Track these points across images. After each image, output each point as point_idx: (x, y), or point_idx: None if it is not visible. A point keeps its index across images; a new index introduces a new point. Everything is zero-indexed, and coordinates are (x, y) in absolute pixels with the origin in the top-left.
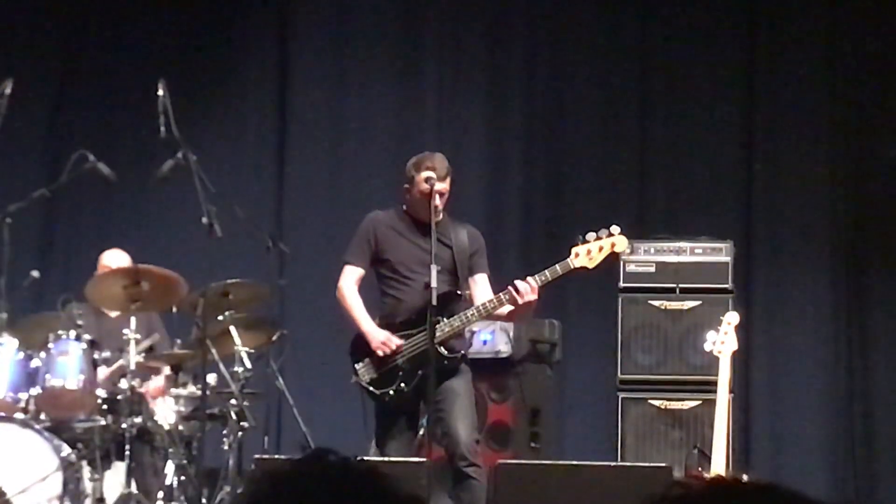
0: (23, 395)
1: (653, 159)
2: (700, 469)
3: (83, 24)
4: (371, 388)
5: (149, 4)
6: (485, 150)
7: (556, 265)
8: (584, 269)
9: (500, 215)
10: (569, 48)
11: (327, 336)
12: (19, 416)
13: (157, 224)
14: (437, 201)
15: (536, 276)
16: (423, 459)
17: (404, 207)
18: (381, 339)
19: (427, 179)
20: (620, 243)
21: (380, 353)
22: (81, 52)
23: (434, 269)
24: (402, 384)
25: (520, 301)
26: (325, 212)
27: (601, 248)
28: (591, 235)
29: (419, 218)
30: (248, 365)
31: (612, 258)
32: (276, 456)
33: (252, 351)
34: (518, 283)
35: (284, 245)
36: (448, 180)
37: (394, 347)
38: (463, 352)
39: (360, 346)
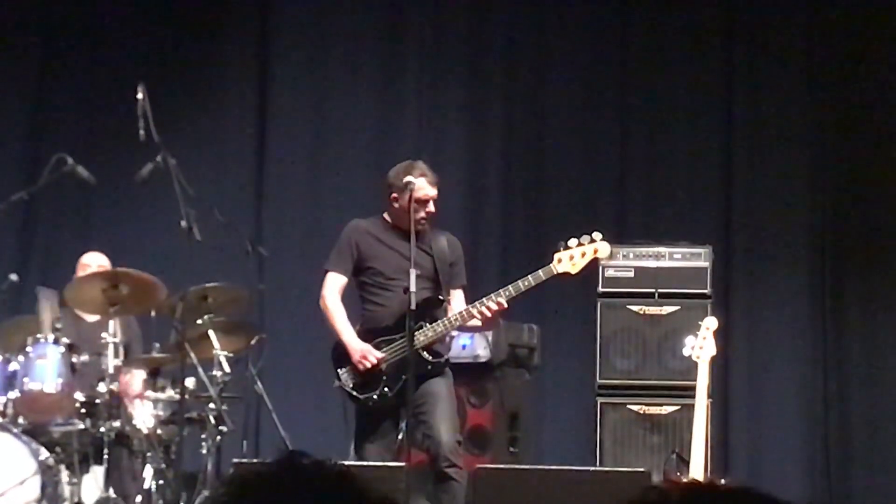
0: (1, 399)
1: (632, 165)
2: (678, 474)
3: (63, 26)
4: (354, 393)
5: (129, 7)
6: (464, 157)
7: (539, 271)
8: (567, 274)
9: (480, 221)
10: (549, 55)
11: (306, 340)
12: None
13: (136, 227)
14: (431, 207)
15: (519, 282)
16: (402, 464)
17: (385, 215)
18: (362, 352)
19: (420, 186)
20: (603, 249)
21: (360, 367)
22: (61, 55)
23: (413, 274)
24: (386, 388)
25: (481, 318)
26: (304, 216)
27: (584, 254)
28: (573, 241)
29: (401, 225)
30: (227, 369)
31: (594, 264)
32: (255, 460)
33: (231, 355)
34: (483, 301)
35: (264, 249)
36: (435, 187)
37: (374, 361)
38: (445, 356)
39: (343, 353)
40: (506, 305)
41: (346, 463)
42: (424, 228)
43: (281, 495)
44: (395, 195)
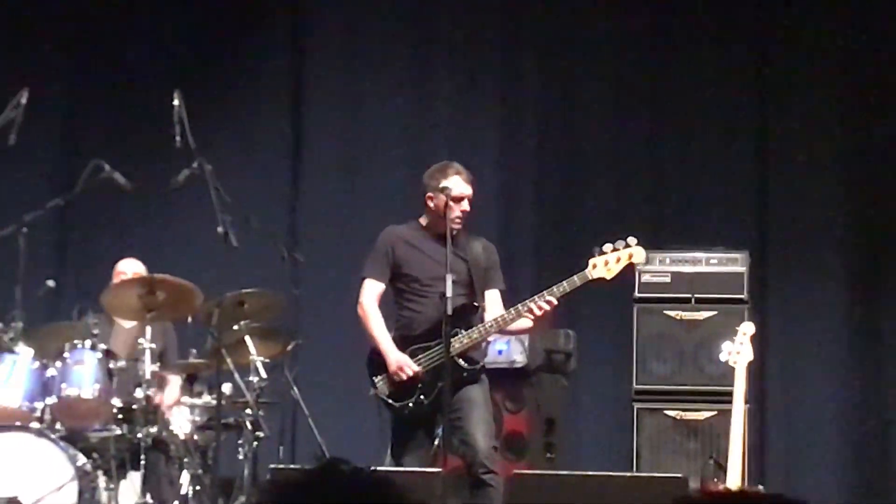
0: (38, 405)
1: (667, 170)
2: (715, 480)
3: (99, 33)
4: (390, 401)
5: (165, 14)
6: (498, 162)
7: (574, 276)
8: (602, 279)
9: (514, 227)
10: (582, 58)
11: (342, 346)
12: (35, 425)
13: (172, 233)
14: (466, 206)
15: (554, 287)
16: (439, 469)
17: (421, 220)
18: (399, 364)
19: (455, 184)
20: (638, 255)
21: (395, 378)
22: (97, 62)
23: (449, 279)
24: (422, 396)
25: (535, 316)
26: (339, 221)
27: (619, 260)
28: (608, 247)
29: (437, 230)
30: (264, 375)
31: (630, 269)
32: (291, 466)
33: (267, 360)
34: (538, 300)
35: (299, 255)
36: (466, 202)
37: (410, 374)
38: (481, 362)
39: (379, 360)
40: (556, 302)
41: (384, 469)
42: (459, 228)
43: (320, 501)
44: (430, 195)
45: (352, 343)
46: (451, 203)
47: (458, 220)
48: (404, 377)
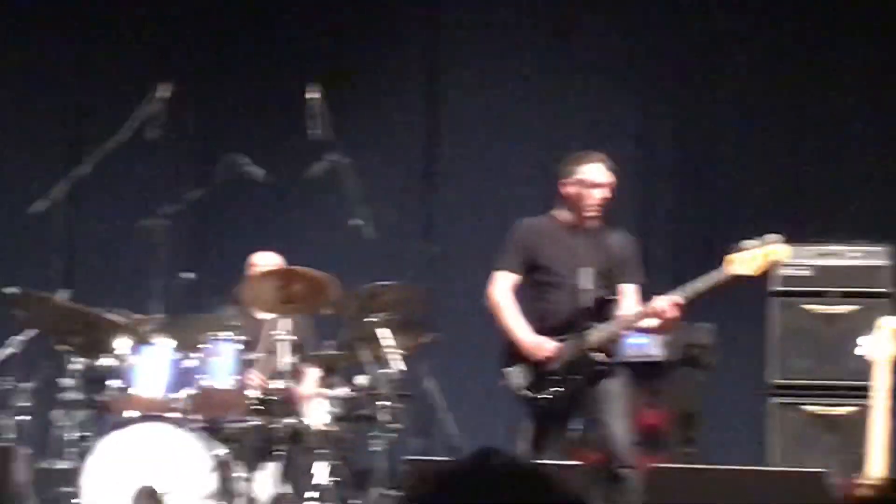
0: (177, 396)
1: (809, 161)
2: (855, 476)
3: (236, 27)
4: (524, 394)
5: (302, 7)
6: (636, 154)
7: (714, 273)
8: (745, 276)
9: (652, 220)
10: (720, 52)
11: (477, 339)
12: (174, 416)
13: (308, 226)
14: (607, 193)
15: (679, 289)
16: (578, 462)
17: (557, 211)
18: (535, 344)
19: (594, 171)
20: (784, 252)
21: (533, 357)
22: (235, 56)
23: (585, 272)
24: (556, 389)
25: (659, 318)
26: (475, 214)
27: (766, 256)
28: (749, 243)
29: (574, 221)
30: (399, 367)
31: (775, 266)
32: (427, 458)
33: (402, 353)
34: (659, 301)
35: (434, 247)
36: (606, 188)
37: (548, 352)
38: (618, 356)
39: (513, 352)
40: (682, 303)
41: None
42: (595, 217)
43: (475, 492)
44: (564, 181)
45: (486, 336)
46: (586, 191)
47: (593, 208)
48: (542, 356)
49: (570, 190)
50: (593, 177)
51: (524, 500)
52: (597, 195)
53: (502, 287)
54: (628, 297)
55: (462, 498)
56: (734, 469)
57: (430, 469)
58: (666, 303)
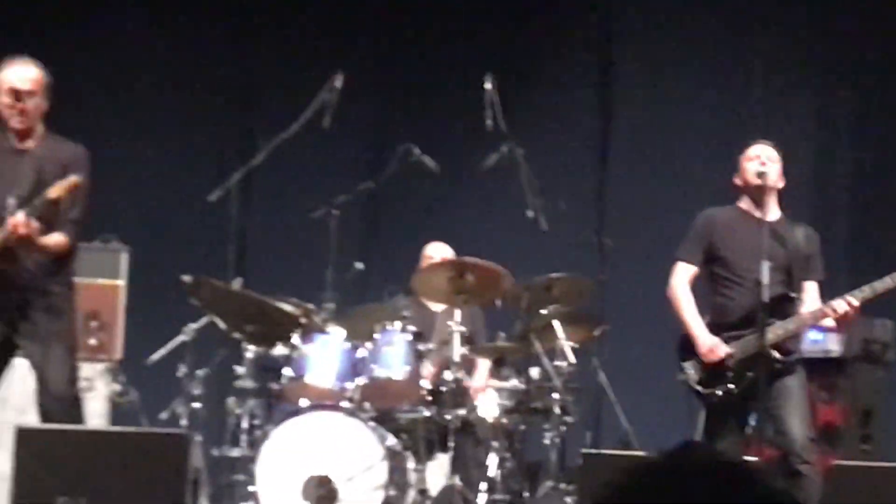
0: (349, 385)
1: None
2: None
3: (409, 18)
4: (699, 388)
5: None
6: (813, 147)
7: (886, 278)
8: None
9: (830, 214)
10: None
11: (649, 332)
12: (346, 405)
13: (480, 217)
14: (766, 168)
15: (857, 291)
16: (755, 459)
17: (741, 203)
18: (710, 346)
19: (754, 148)
20: None
21: (706, 359)
22: (407, 46)
23: (766, 266)
24: (731, 385)
25: (835, 318)
26: (647, 206)
27: None
28: None
29: (754, 213)
30: (572, 359)
31: None
32: (603, 451)
33: (575, 345)
34: (836, 302)
35: (607, 239)
36: (770, 161)
37: (721, 356)
38: (796, 354)
39: (689, 345)
40: (857, 305)
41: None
42: (777, 218)
43: (679, 486)
44: (742, 165)
45: (659, 329)
46: (750, 166)
47: (760, 178)
48: (715, 359)
49: (742, 177)
50: (754, 151)
51: (731, 496)
52: (759, 166)
53: (681, 279)
54: (809, 294)
55: (668, 490)
56: None
57: (626, 463)
58: (843, 304)
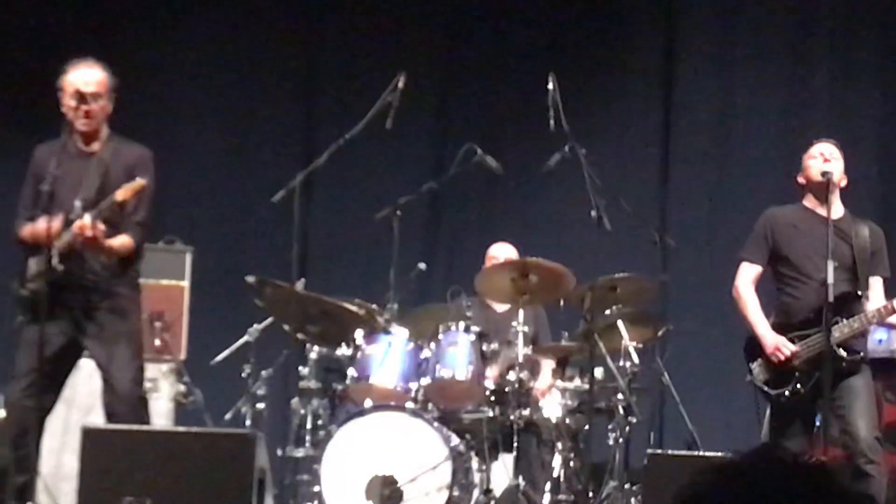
0: (413, 385)
1: None
2: None
3: (472, 18)
4: (766, 388)
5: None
6: (879, 147)
7: None
8: None
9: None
10: None
11: (712, 332)
12: (410, 405)
13: (543, 217)
14: (830, 168)
15: None
16: (824, 459)
17: (805, 202)
18: (776, 344)
19: (816, 147)
20: None
21: (773, 359)
22: (470, 46)
23: (831, 265)
24: (798, 385)
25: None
26: (709, 206)
27: None
28: None
29: (817, 211)
30: (635, 360)
31: None
32: (667, 451)
33: (638, 345)
34: None
35: (670, 239)
36: (834, 159)
37: (787, 354)
38: (862, 352)
39: (755, 346)
40: None
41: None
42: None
43: (758, 487)
44: (805, 164)
45: (722, 329)
46: (812, 164)
47: (824, 176)
48: (781, 357)
49: (805, 175)
50: (816, 149)
51: (810, 498)
52: (823, 163)
53: (746, 279)
54: (875, 291)
55: (746, 495)
56: None
57: (693, 464)
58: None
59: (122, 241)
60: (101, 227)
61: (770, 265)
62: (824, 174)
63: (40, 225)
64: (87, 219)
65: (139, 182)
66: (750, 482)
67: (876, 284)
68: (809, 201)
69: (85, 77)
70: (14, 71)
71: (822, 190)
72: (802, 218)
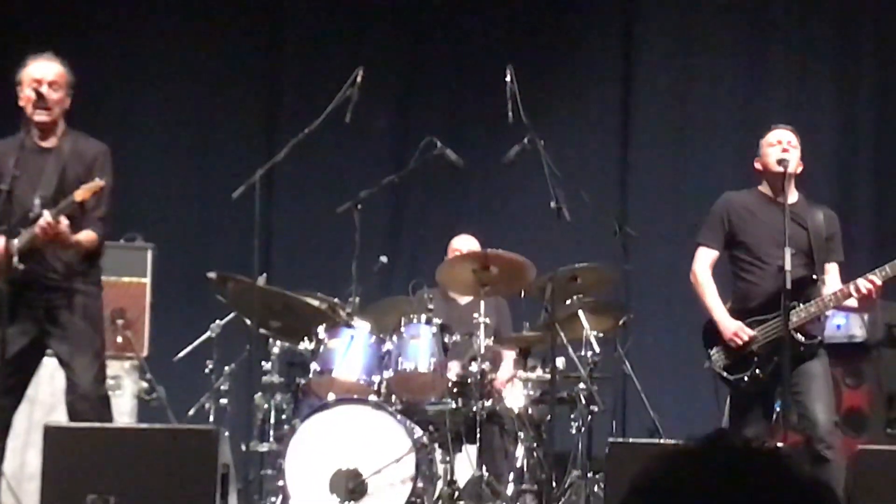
0: (376, 378)
1: None
2: None
3: (431, 13)
4: (725, 374)
5: None
6: (835, 134)
7: None
8: None
9: (852, 198)
10: None
11: (673, 320)
12: (373, 398)
13: (504, 209)
14: (788, 156)
15: (877, 270)
16: (779, 444)
17: (760, 187)
18: (734, 329)
19: (773, 133)
20: None
21: (731, 344)
22: (429, 41)
23: (788, 252)
24: (757, 370)
25: (858, 297)
26: (669, 196)
27: None
28: None
29: (774, 197)
30: (597, 349)
31: None
32: (628, 440)
33: (599, 335)
34: (859, 281)
35: (630, 229)
36: (792, 147)
37: (745, 339)
38: (819, 337)
39: (714, 332)
40: (879, 284)
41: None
42: (791, 187)
43: (713, 473)
44: (757, 158)
45: (683, 317)
46: (770, 151)
47: (783, 165)
48: (740, 343)
49: (762, 161)
50: (775, 136)
51: (765, 484)
52: (781, 152)
53: (703, 264)
54: (831, 276)
55: (701, 482)
56: None
57: (655, 451)
58: (866, 283)
59: (87, 235)
60: (66, 222)
61: (727, 250)
62: (781, 162)
63: None
64: (47, 216)
65: (97, 182)
66: (702, 468)
67: (832, 270)
68: (765, 187)
69: (43, 68)
70: None
71: (778, 178)
72: (759, 203)
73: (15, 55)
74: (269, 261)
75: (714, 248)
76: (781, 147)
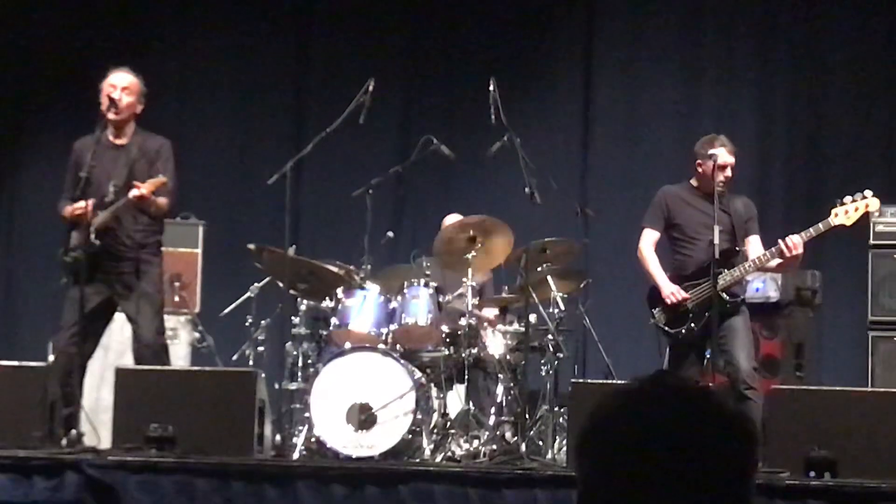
0: (383, 330)
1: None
2: None
3: (429, 30)
4: (666, 328)
5: (480, 14)
6: (754, 133)
7: (819, 223)
8: (842, 226)
9: (768, 185)
10: (829, 44)
11: (624, 284)
12: (381, 346)
13: (486, 193)
14: (728, 172)
15: (802, 232)
16: (710, 385)
17: (692, 181)
18: (671, 291)
19: (721, 154)
20: (873, 204)
21: (668, 301)
22: (427, 55)
23: (717, 230)
24: (692, 324)
25: (787, 254)
26: (621, 183)
27: (857, 209)
28: (847, 198)
29: (705, 190)
30: (562, 307)
31: (866, 218)
32: (587, 380)
33: (565, 296)
34: (787, 238)
35: (590, 210)
36: (732, 169)
37: (679, 298)
38: (742, 297)
39: (656, 295)
40: (800, 243)
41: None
42: (724, 190)
43: (653, 407)
44: (699, 162)
45: (632, 282)
46: (717, 169)
47: (722, 183)
48: (676, 300)
49: (702, 168)
50: (720, 159)
51: (697, 415)
52: (722, 174)
53: (647, 242)
54: (753, 246)
55: (643, 414)
56: (841, 390)
57: (610, 389)
58: (794, 240)
59: (162, 200)
60: (146, 185)
61: (665, 232)
62: (721, 184)
63: (79, 205)
64: (133, 192)
65: (161, 178)
66: (647, 402)
67: (753, 241)
68: (696, 182)
69: (118, 77)
70: (64, 81)
71: (711, 185)
72: (690, 194)
73: (96, 69)
74: (297, 235)
75: (656, 230)
76: (725, 173)
